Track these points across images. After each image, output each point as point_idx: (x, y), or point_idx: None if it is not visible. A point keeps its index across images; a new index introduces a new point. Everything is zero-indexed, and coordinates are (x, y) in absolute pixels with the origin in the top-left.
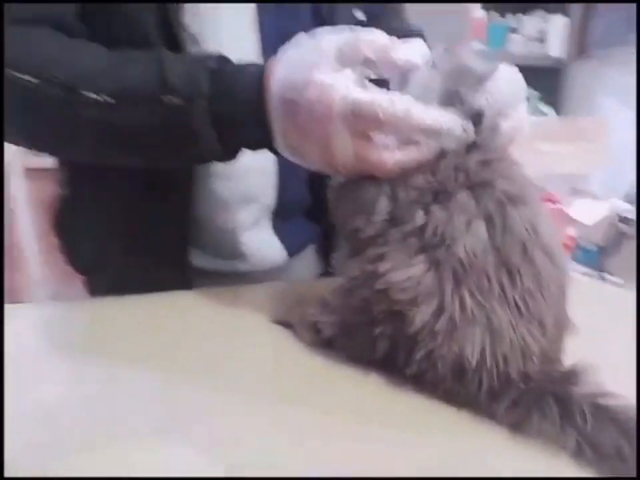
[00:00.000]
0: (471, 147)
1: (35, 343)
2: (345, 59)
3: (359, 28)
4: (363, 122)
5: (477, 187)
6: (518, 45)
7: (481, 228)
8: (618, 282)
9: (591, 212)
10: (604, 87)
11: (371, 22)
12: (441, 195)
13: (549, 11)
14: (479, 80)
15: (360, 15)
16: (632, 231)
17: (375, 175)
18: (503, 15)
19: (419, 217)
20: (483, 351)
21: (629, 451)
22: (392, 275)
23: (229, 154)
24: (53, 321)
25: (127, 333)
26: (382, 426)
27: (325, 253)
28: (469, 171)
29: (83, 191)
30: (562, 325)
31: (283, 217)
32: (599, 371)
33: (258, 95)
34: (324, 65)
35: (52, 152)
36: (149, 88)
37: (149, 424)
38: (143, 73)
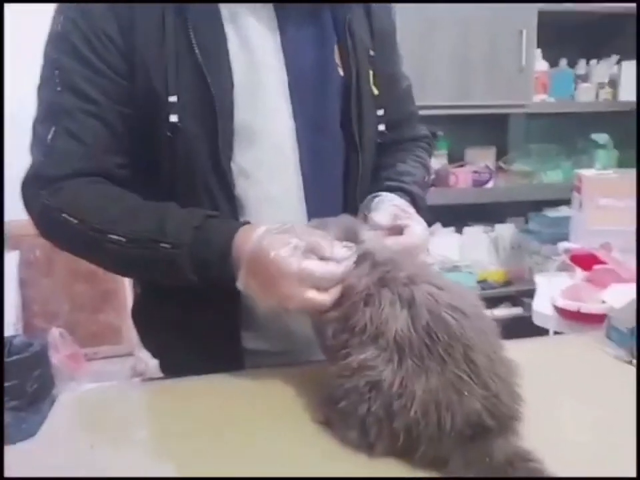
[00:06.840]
0: (375, 263)
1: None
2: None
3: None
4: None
5: (389, 282)
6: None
7: (401, 311)
8: None
9: (621, 294)
10: None
11: (390, 132)
12: (368, 299)
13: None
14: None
15: (382, 127)
16: None
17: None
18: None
19: (359, 320)
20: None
21: None
22: (355, 358)
23: (205, 285)
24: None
25: (184, 410)
26: None
27: None
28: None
29: (150, 290)
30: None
31: None
32: None
33: (226, 252)
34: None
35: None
36: (151, 234)
37: None
38: (149, 223)
